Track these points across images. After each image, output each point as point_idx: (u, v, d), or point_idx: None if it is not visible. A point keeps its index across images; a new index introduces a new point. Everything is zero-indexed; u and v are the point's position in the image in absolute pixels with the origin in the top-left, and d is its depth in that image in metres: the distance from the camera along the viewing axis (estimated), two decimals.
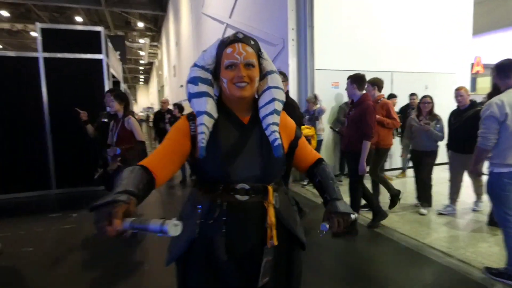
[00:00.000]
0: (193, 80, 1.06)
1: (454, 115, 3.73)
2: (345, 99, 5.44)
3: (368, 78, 3.48)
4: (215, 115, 1.05)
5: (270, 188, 1.07)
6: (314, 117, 5.05)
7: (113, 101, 3.34)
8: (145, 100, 44.06)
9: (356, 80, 3.25)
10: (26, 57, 4.87)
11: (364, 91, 3.31)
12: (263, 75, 1.09)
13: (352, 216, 1.07)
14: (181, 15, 14.53)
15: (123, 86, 8.36)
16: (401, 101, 5.68)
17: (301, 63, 5.50)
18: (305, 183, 5.34)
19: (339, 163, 5.72)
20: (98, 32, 5.07)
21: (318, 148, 5.13)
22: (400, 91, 5.73)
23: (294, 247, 1.16)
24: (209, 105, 1.04)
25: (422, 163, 3.86)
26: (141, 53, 24.96)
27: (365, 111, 3.12)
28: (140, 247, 3.17)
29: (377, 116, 3.55)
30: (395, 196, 3.87)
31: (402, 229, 3.38)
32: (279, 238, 1.05)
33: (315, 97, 5.07)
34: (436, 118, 3.76)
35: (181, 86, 14.97)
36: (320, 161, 1.24)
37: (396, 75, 6.12)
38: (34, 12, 17.72)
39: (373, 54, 5.83)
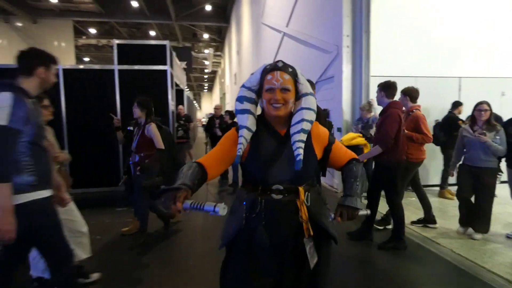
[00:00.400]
0: (239, 99, 1.32)
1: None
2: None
3: (434, 84, 3.31)
4: (254, 128, 1.29)
5: (301, 189, 1.29)
6: (367, 125, 4.86)
7: (136, 107, 3.42)
8: (209, 107, 46.48)
9: (385, 87, 3.18)
10: (105, 69, 5.58)
11: (394, 99, 3.20)
12: (299, 96, 1.30)
13: (362, 212, 1.24)
14: (242, 26, 15.13)
15: (186, 94, 8.99)
16: (469, 110, 5.17)
17: (356, 69, 5.36)
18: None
19: None
20: (164, 46, 5.58)
21: (371, 158, 4.91)
22: (469, 98, 5.23)
23: (323, 238, 1.35)
24: (249, 121, 1.29)
25: (480, 184, 3.29)
26: (206, 62, 26.47)
27: (386, 117, 3.02)
28: (186, 241, 3.44)
29: (406, 130, 3.33)
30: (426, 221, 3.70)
31: (459, 249, 3.09)
32: (312, 230, 1.27)
33: (369, 104, 4.89)
34: (495, 129, 3.24)
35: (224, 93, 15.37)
36: (351, 161, 1.42)
37: (465, 81, 5.60)
38: (116, 28, 20.04)
39: (438, 59, 5.43)
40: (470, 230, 3.43)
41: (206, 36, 22.60)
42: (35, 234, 1.66)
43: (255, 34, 12.27)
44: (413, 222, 3.76)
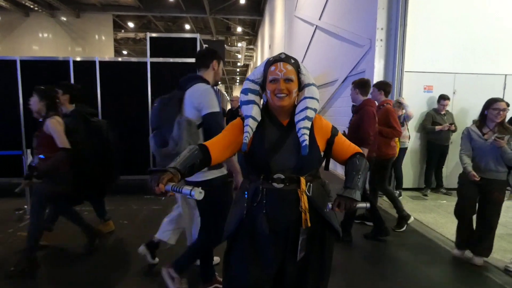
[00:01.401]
0: (244, 91, 1.36)
1: None
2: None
3: (474, 82, 3.12)
4: (259, 118, 1.34)
5: (302, 178, 1.31)
6: None
7: (33, 98, 2.64)
8: None
9: (360, 85, 3.20)
10: (138, 62, 5.78)
11: (368, 96, 3.23)
12: (302, 87, 1.34)
13: (360, 204, 1.25)
14: (275, 19, 15.00)
15: (216, 87, 9.09)
16: None
17: (389, 65, 5.13)
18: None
19: (425, 174, 5.16)
20: (195, 39, 5.68)
21: (401, 157, 4.72)
22: None
23: (326, 230, 1.38)
24: (254, 110, 1.33)
25: (487, 199, 2.76)
26: (238, 56, 26.59)
27: (363, 116, 3.03)
28: None
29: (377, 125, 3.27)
30: (402, 218, 3.54)
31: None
32: (313, 221, 1.29)
33: (399, 102, 4.68)
34: (509, 132, 2.66)
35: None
36: (355, 154, 1.42)
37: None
38: (153, 22, 20.64)
39: (480, 54, 5.06)
40: (468, 253, 2.92)
41: (239, 29, 22.66)
42: (210, 206, 1.95)
43: (287, 27, 12.13)
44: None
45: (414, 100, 4.98)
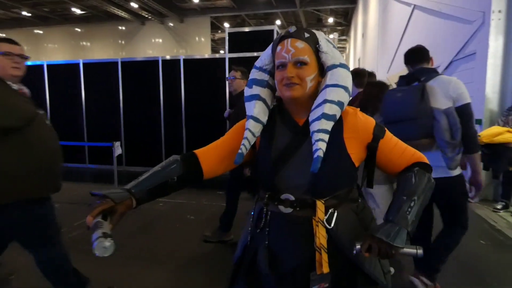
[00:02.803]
0: (249, 83, 1.04)
1: None
2: None
3: None
4: (264, 118, 0.99)
5: (319, 202, 0.93)
6: None
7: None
8: None
9: (354, 75, 2.47)
10: (217, 58, 5.92)
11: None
12: (325, 70, 0.96)
13: (406, 250, 0.82)
14: (369, 5, 13.74)
15: None
16: None
17: (511, 42, 4.00)
18: (499, 206, 3.94)
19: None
20: (271, 31, 5.49)
21: None
22: None
23: (359, 281, 0.95)
24: (257, 109, 0.99)
25: None
26: None
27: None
28: None
29: None
30: None
31: None
32: (335, 265, 0.90)
33: None
34: None
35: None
36: (412, 166, 0.98)
37: None
38: (246, 21, 21.38)
39: None
40: None
41: (331, 20, 21.65)
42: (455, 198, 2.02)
43: (381, 12, 10.93)
44: None
45: None
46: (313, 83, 0.95)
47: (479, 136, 3.59)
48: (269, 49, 1.02)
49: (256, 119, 0.98)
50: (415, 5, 7.13)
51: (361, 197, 1.05)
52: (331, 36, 23.86)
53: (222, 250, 2.90)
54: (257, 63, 1.05)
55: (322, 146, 0.88)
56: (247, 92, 1.03)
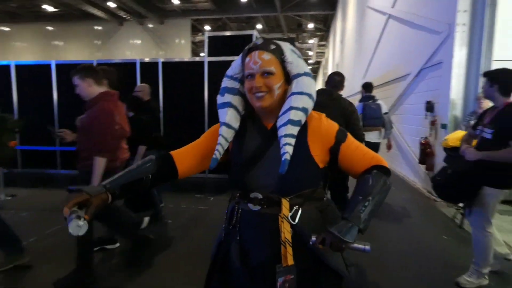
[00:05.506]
0: (221, 91, 1.10)
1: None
2: None
3: None
4: (236, 125, 1.07)
5: (284, 200, 1.01)
6: None
7: None
8: None
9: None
10: (196, 61, 5.94)
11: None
12: (291, 79, 1.04)
13: (355, 245, 0.91)
14: (348, 12, 14.14)
15: None
16: None
17: (473, 53, 4.26)
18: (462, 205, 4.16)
19: None
20: (250, 36, 5.58)
21: None
22: None
23: (324, 273, 1.04)
24: (229, 116, 1.06)
25: None
26: (310, 53, 25.95)
27: None
28: None
29: None
30: None
31: None
32: (300, 258, 0.98)
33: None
34: None
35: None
36: (371, 168, 1.04)
37: None
38: (228, 24, 21.41)
39: None
40: None
41: (311, 25, 22.07)
42: None
43: (359, 20, 11.28)
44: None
45: None
46: (280, 90, 1.02)
47: (446, 139, 3.83)
48: (239, 59, 1.08)
49: (228, 125, 1.05)
50: (390, 14, 7.43)
51: (325, 196, 1.14)
52: (311, 41, 24.31)
53: (202, 250, 2.92)
54: (228, 72, 1.11)
55: (289, 149, 0.95)
56: (220, 99, 1.09)
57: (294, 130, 0.98)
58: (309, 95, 1.00)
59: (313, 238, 0.96)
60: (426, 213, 4.26)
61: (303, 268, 0.99)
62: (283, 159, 0.95)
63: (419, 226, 3.73)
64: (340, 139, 1.06)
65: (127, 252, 2.94)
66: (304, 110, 0.99)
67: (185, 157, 1.10)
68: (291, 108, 0.98)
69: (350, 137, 1.08)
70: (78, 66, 2.36)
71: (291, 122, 0.97)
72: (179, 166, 1.08)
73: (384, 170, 1.04)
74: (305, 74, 1.02)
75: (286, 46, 1.04)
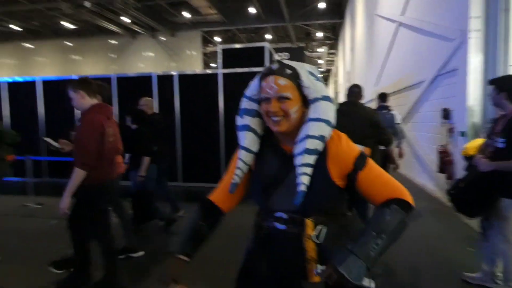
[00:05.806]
0: (240, 113, 1.12)
1: None
2: None
3: None
4: (255, 148, 1.09)
5: (308, 221, 1.04)
6: None
7: None
8: None
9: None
10: (211, 73, 6.05)
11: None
12: (308, 102, 1.03)
13: (355, 282, 0.88)
14: (356, 21, 14.21)
15: None
16: None
17: (489, 59, 4.24)
18: None
19: None
20: (262, 48, 5.67)
21: None
22: None
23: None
24: (247, 140, 1.08)
25: None
26: (320, 61, 26.04)
27: None
28: None
29: None
30: None
31: None
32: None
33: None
34: None
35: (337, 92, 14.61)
36: (389, 202, 0.98)
37: None
38: (237, 35, 21.74)
39: None
40: None
41: (319, 34, 22.20)
42: None
43: (368, 28, 11.32)
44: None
45: None
46: (298, 114, 1.02)
47: (465, 148, 3.78)
48: (257, 81, 1.08)
49: (247, 149, 1.08)
50: (400, 22, 7.45)
51: (349, 212, 1.16)
52: (321, 50, 24.41)
53: (224, 259, 2.94)
54: (247, 93, 1.11)
55: (305, 180, 0.97)
56: (239, 121, 1.11)
57: (311, 159, 0.99)
58: (327, 122, 0.99)
59: (319, 270, 0.97)
60: (447, 223, 4.16)
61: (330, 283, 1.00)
62: (298, 190, 0.97)
63: (438, 237, 3.66)
64: (358, 166, 1.02)
65: (149, 260, 3.01)
66: (321, 138, 0.99)
67: (224, 196, 1.16)
68: (307, 136, 0.99)
69: (370, 165, 1.04)
70: (73, 79, 2.44)
71: (307, 151, 0.98)
72: (222, 206, 1.15)
73: (404, 205, 0.98)
74: (323, 98, 1.01)
75: (302, 69, 1.02)
